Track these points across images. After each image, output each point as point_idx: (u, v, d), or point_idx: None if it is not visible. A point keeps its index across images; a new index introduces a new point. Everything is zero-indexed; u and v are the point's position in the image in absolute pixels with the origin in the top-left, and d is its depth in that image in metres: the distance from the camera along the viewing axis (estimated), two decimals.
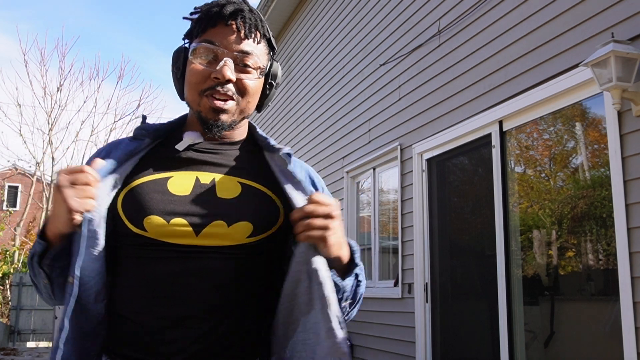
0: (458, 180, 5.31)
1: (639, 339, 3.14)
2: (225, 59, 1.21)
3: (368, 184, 6.61)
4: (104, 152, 1.26)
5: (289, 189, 1.24)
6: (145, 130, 1.27)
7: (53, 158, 16.63)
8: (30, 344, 12.97)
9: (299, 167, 1.30)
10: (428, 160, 5.30)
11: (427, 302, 5.11)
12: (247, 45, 1.23)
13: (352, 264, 1.21)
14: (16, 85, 36.17)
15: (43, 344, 12.89)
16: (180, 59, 1.27)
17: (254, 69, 1.24)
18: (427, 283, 5.13)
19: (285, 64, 9.52)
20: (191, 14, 1.27)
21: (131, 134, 1.30)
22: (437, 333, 5.03)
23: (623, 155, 3.29)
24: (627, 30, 3.32)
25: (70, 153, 42.00)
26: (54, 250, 1.17)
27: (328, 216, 1.12)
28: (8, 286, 13.82)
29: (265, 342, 1.25)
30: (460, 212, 5.18)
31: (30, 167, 17.31)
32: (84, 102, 23.86)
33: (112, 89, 61.90)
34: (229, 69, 1.20)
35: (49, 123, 16.56)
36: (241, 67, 1.23)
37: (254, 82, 1.25)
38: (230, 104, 1.23)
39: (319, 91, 7.94)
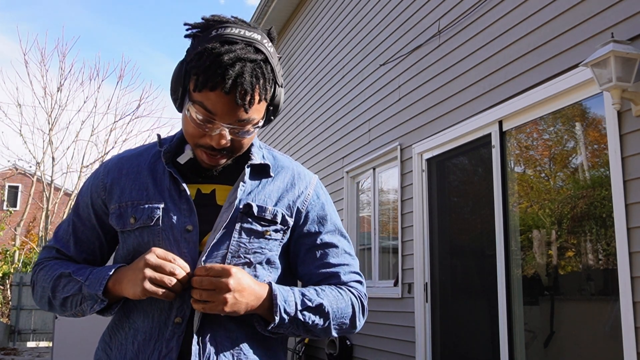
0: (458, 180, 5.31)
1: (639, 339, 3.14)
2: (220, 128, 1.19)
3: (368, 184, 6.61)
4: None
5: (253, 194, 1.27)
6: (170, 153, 1.30)
7: (53, 158, 16.64)
8: (31, 344, 12.98)
9: (282, 175, 1.33)
10: (428, 160, 5.30)
11: (427, 302, 5.11)
12: (246, 114, 1.19)
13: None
14: (16, 85, 36.25)
15: (43, 344, 12.90)
16: (178, 90, 1.23)
17: (251, 126, 1.22)
18: (427, 283, 5.13)
19: (285, 64, 9.52)
20: (193, 34, 1.22)
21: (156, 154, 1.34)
22: (437, 333, 5.03)
23: (623, 155, 3.29)
24: (627, 30, 3.32)
25: (71, 153, 42.02)
26: (116, 305, 1.24)
27: (222, 289, 1.13)
28: (8, 286, 13.83)
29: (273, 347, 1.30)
30: (460, 212, 5.18)
31: (30, 167, 17.31)
32: (84, 102, 23.89)
33: (112, 89, 61.91)
34: (223, 139, 1.20)
35: (49, 123, 16.56)
36: (239, 132, 1.21)
37: (249, 137, 1.24)
38: (223, 161, 1.26)
39: (319, 91, 7.94)
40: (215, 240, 1.21)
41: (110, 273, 1.20)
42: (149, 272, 1.13)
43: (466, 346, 4.85)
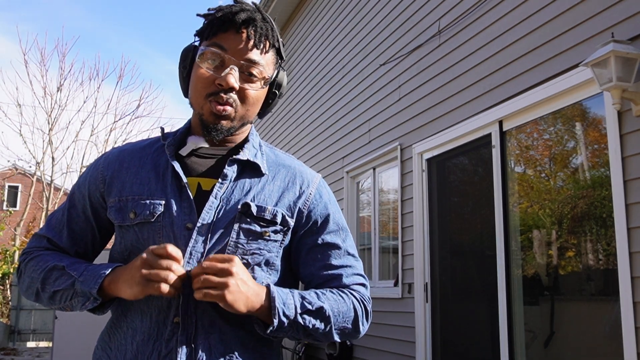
0: (458, 180, 5.31)
1: (639, 339, 3.14)
2: (231, 66, 1.22)
3: (368, 184, 6.61)
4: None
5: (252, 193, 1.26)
6: (173, 147, 1.30)
7: (53, 158, 16.63)
8: (30, 344, 12.98)
9: (283, 174, 1.31)
10: (428, 160, 5.30)
11: (427, 302, 5.11)
12: (255, 54, 1.24)
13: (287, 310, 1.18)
14: (16, 85, 36.15)
15: (43, 344, 12.89)
16: (188, 59, 1.29)
17: (258, 78, 1.25)
18: (427, 283, 5.13)
19: (285, 64, 9.51)
20: (205, 14, 1.28)
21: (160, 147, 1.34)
22: (437, 333, 5.03)
23: (623, 155, 3.29)
24: (627, 30, 3.32)
25: (70, 153, 42.00)
26: (109, 304, 1.23)
27: (225, 273, 1.10)
28: (8, 286, 13.82)
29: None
30: (460, 212, 5.18)
31: (30, 167, 17.29)
32: (84, 102, 23.87)
33: (112, 89, 61.93)
34: (233, 77, 1.21)
35: (49, 123, 16.55)
36: (246, 75, 1.24)
37: (256, 91, 1.26)
38: (229, 110, 1.24)
39: (319, 91, 7.94)
40: (214, 241, 1.20)
41: (107, 272, 1.17)
42: (145, 270, 1.10)
43: (466, 346, 4.85)
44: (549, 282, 4.09)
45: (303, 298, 1.19)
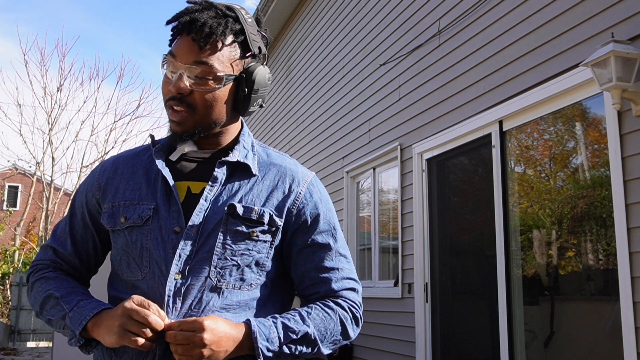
0: (458, 180, 5.31)
1: (639, 339, 3.14)
2: (178, 72, 1.21)
3: (368, 184, 6.61)
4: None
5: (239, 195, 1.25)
6: (162, 152, 1.30)
7: (53, 158, 16.61)
8: (30, 344, 12.97)
9: (273, 174, 1.30)
10: (428, 160, 5.29)
11: (427, 302, 5.11)
12: (203, 55, 1.20)
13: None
14: (16, 85, 36.21)
15: (43, 344, 12.89)
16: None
17: (211, 79, 1.21)
18: (427, 283, 5.13)
19: (285, 64, 9.52)
20: (168, 21, 1.27)
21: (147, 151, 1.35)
22: (437, 333, 5.03)
23: (623, 155, 3.29)
24: (627, 30, 3.32)
25: (70, 153, 42.00)
26: (96, 343, 1.23)
27: (196, 344, 1.10)
28: (8, 286, 13.82)
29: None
30: (460, 212, 5.18)
31: (30, 167, 17.26)
32: (84, 102, 23.84)
33: (112, 89, 61.91)
34: (181, 83, 1.20)
35: (49, 123, 16.53)
36: (197, 78, 1.21)
37: (211, 92, 1.22)
38: (182, 116, 1.23)
39: (319, 91, 7.94)
40: (201, 243, 1.21)
41: (92, 314, 1.19)
42: (123, 320, 1.12)
43: (466, 346, 4.85)
44: (549, 282, 4.09)
45: (286, 328, 1.19)
